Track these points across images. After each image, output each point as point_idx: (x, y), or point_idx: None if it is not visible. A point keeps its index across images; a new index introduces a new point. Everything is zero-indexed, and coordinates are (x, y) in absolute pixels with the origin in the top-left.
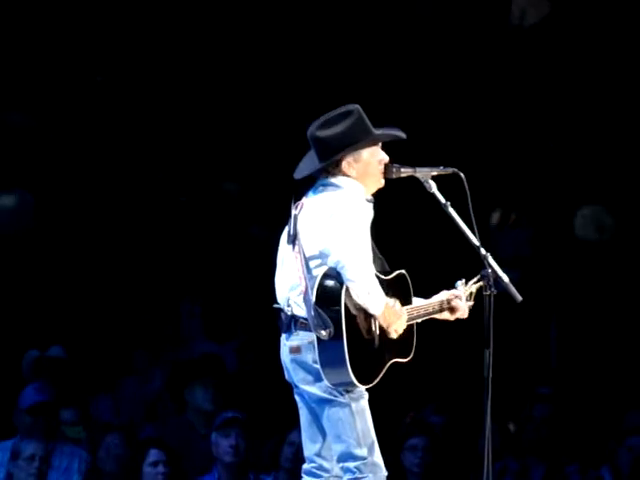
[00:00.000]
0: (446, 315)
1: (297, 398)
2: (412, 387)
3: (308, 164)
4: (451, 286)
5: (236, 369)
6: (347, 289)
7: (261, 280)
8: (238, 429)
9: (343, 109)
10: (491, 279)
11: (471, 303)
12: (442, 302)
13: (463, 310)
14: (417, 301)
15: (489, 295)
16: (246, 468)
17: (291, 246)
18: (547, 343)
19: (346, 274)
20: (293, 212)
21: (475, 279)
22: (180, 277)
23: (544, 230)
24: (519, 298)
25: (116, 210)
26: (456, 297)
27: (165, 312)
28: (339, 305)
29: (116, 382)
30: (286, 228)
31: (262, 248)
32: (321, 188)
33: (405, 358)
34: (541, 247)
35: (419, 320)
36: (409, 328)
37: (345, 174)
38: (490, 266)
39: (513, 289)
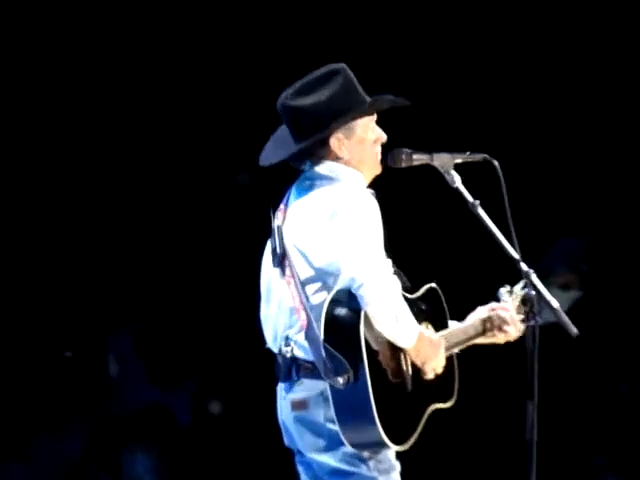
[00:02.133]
0: (493, 338)
1: (300, 469)
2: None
3: (279, 146)
4: (486, 302)
5: (190, 423)
6: (366, 316)
7: (221, 302)
8: None
9: (325, 70)
10: (535, 305)
11: (523, 316)
12: (484, 320)
13: (516, 326)
14: (453, 324)
15: (533, 327)
16: None
17: (279, 269)
18: (615, 396)
19: (365, 295)
20: (274, 223)
21: (522, 283)
22: (110, 303)
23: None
24: (574, 331)
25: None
26: (503, 309)
27: (90, 350)
28: (357, 339)
29: (29, 443)
30: (268, 245)
31: (218, 264)
32: (308, 184)
33: (447, 402)
34: (601, 262)
35: (457, 350)
36: (448, 361)
37: (335, 156)
38: (534, 287)
39: (566, 319)
